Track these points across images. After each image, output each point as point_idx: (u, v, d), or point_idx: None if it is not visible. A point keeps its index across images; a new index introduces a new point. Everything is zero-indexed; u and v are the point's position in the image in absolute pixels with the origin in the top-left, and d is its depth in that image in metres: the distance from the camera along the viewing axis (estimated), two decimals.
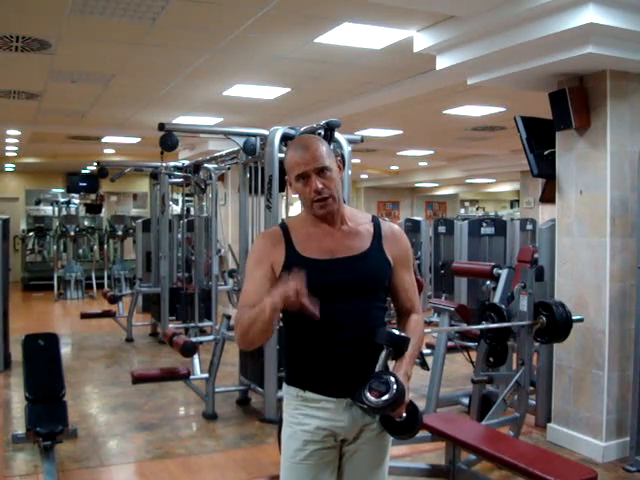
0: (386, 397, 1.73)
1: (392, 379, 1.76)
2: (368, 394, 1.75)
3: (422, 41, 4.50)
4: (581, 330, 4.12)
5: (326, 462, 1.91)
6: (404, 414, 1.81)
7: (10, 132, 9.71)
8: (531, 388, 4.32)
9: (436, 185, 18.58)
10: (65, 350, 7.32)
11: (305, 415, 1.90)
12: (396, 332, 1.86)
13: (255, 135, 5.20)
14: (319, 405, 1.89)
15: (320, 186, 1.85)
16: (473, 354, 4.83)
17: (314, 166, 1.85)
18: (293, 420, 1.93)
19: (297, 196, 1.95)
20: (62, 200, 14.44)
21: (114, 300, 8.93)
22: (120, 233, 13.45)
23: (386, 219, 2.23)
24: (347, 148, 4.86)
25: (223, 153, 6.54)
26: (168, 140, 5.05)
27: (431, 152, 12.36)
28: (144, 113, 8.10)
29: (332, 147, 4.56)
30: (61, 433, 3.74)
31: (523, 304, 3.89)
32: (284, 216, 5.51)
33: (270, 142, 4.75)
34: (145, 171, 9.70)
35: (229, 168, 7.76)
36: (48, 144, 11.07)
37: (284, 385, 1.98)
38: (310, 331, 1.88)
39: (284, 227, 1.97)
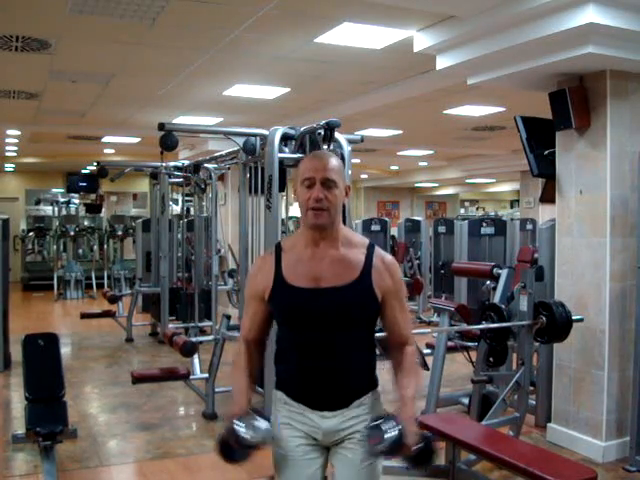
0: (382, 444, 1.76)
1: (394, 424, 1.77)
2: (370, 440, 1.79)
3: (422, 41, 4.50)
4: (581, 330, 4.12)
5: (312, 458, 1.96)
6: (417, 446, 1.81)
7: (10, 132, 9.70)
8: (531, 388, 4.32)
9: (436, 185, 18.56)
10: (65, 350, 7.32)
11: (285, 416, 1.98)
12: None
13: (255, 135, 5.19)
14: (298, 410, 1.96)
15: (321, 195, 1.87)
16: (473, 354, 4.83)
17: (322, 175, 1.88)
18: (274, 419, 2.00)
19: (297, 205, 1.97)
20: (62, 200, 14.42)
21: (114, 300, 8.92)
22: (120, 233, 13.45)
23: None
24: (347, 148, 4.85)
25: (223, 153, 6.52)
26: (168, 140, 5.03)
27: (431, 152, 12.35)
28: (144, 113, 8.10)
29: (332, 147, 4.55)
30: (61, 433, 3.74)
31: (523, 304, 3.90)
32: (284, 216, 5.51)
33: (270, 142, 4.75)
34: (145, 171, 9.68)
35: (229, 168, 7.74)
36: (48, 144, 11.06)
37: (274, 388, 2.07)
38: (292, 351, 1.96)
39: (278, 250, 2.00)
